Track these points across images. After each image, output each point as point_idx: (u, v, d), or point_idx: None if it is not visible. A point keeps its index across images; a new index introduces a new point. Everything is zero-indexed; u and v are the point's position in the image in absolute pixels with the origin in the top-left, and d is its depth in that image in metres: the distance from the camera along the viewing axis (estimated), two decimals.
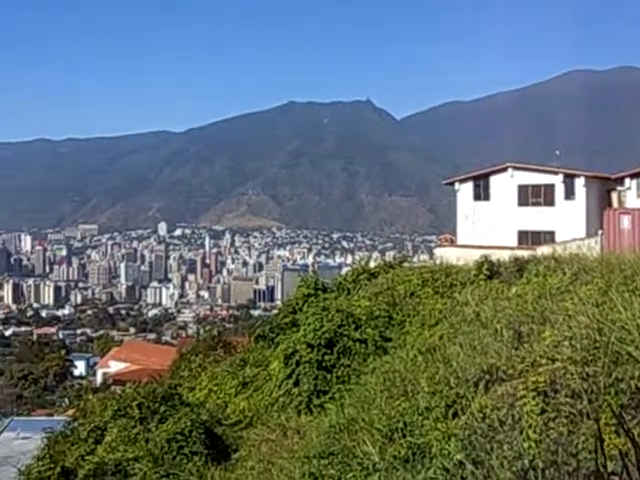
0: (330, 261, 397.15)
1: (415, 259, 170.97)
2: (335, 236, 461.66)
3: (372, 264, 44.18)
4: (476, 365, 13.05)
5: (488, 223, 51.04)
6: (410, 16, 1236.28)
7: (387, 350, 24.27)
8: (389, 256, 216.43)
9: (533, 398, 10.53)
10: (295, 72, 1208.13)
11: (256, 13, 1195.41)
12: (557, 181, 49.81)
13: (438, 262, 40.20)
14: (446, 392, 12.93)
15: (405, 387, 15.07)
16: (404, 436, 12.45)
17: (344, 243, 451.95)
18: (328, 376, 24.81)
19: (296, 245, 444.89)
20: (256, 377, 30.27)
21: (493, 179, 52.36)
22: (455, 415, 12.13)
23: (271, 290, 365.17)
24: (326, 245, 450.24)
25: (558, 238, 46.25)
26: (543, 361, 11.44)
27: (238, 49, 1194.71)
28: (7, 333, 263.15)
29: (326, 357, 25.19)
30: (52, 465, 25.08)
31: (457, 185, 53.85)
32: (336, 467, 12.91)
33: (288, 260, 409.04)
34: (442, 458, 10.34)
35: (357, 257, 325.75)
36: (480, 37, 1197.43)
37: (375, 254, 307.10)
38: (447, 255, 42.64)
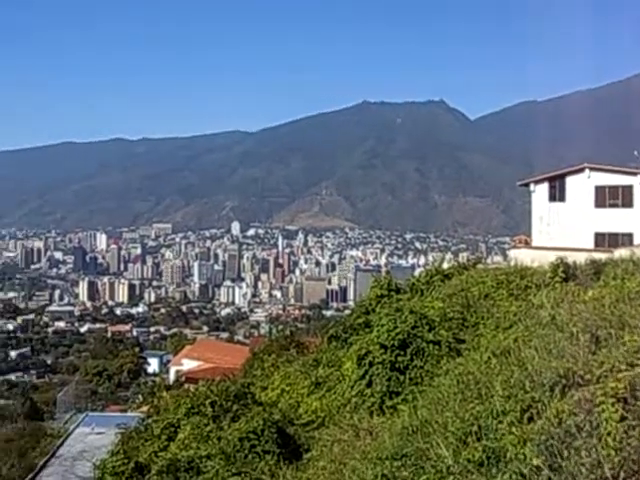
0: (403, 262, 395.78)
1: (489, 260, 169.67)
2: (408, 237, 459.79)
3: (445, 265, 43.93)
4: (552, 369, 12.84)
5: (564, 225, 50.34)
6: (484, 16, 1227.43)
7: (461, 352, 24.07)
8: (462, 257, 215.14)
9: (612, 404, 10.29)
10: (369, 72, 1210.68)
11: (332, 14, 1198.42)
12: (635, 182, 48.90)
13: (512, 264, 39.74)
14: (521, 396, 12.74)
15: (479, 390, 14.90)
16: (478, 439, 12.30)
17: (417, 244, 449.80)
18: (401, 377, 24.68)
19: (369, 245, 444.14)
20: (329, 377, 30.25)
21: (569, 180, 51.60)
22: (530, 419, 11.94)
23: (343, 290, 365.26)
24: (399, 246, 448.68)
25: (637, 240, 45.43)
26: (622, 366, 11.20)
27: (312, 49, 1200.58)
28: (82, 330, 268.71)
29: (399, 358, 25.06)
30: (126, 460, 25.45)
31: (532, 186, 53.17)
32: (409, 469, 12.82)
33: (361, 260, 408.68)
34: (518, 463, 10.20)
35: (430, 258, 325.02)
36: (556, 36, 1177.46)
37: (448, 255, 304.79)
38: (521, 257, 42.07)
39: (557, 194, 51.69)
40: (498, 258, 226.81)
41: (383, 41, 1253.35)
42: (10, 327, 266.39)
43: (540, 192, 52.37)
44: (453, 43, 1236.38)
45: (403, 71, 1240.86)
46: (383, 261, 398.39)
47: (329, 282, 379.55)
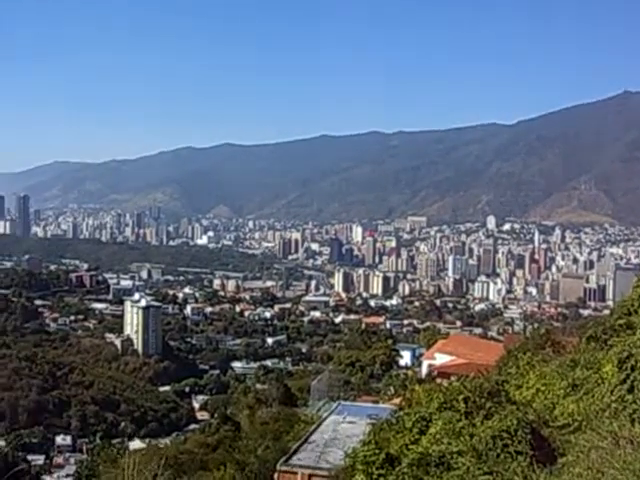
0: None
1: None
2: None
3: None
4: None
5: None
6: None
7: None
8: None
9: None
10: (631, 60, 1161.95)
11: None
12: None
13: None
14: None
15: None
16: None
17: None
18: None
19: (630, 243, 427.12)
20: (586, 380, 29.04)
21: None
22: None
23: (602, 289, 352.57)
24: None
25: None
26: None
27: (570, 41, 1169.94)
28: (337, 320, 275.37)
29: None
30: (377, 451, 25.47)
31: None
32: None
33: (621, 259, 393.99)
34: None
35: None
36: None
37: None
38: None
39: None
40: None
41: None
42: (267, 315, 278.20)
43: None
44: None
45: None
46: None
47: (587, 280, 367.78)
